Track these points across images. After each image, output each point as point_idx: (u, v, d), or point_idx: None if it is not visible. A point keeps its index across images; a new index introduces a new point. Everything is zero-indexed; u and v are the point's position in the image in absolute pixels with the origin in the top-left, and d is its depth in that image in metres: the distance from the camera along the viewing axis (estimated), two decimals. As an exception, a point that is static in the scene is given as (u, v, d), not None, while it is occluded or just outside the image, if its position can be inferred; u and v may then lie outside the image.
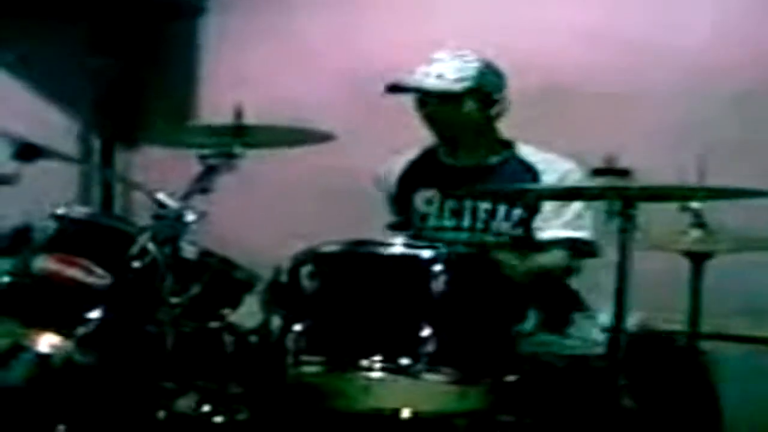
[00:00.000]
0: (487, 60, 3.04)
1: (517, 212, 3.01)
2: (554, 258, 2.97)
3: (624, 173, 2.46)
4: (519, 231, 3.01)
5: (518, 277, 2.61)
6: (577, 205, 2.94)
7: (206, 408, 2.51)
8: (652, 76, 3.66)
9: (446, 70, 2.98)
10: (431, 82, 2.97)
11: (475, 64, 3.00)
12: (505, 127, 3.12)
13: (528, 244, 2.98)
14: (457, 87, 2.97)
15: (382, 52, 3.74)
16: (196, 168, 2.62)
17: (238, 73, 4.18)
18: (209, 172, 2.61)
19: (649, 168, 2.42)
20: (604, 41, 3.73)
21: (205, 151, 2.64)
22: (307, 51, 4.21)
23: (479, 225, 3.03)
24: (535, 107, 3.49)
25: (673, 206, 2.76)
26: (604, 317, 2.68)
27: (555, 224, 2.97)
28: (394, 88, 2.99)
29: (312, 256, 2.47)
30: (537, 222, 3.00)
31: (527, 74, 3.31)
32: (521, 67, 3.14)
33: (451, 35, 3.46)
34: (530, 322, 2.51)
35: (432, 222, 3.08)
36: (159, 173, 3.22)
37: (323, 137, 2.86)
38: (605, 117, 3.63)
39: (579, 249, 2.97)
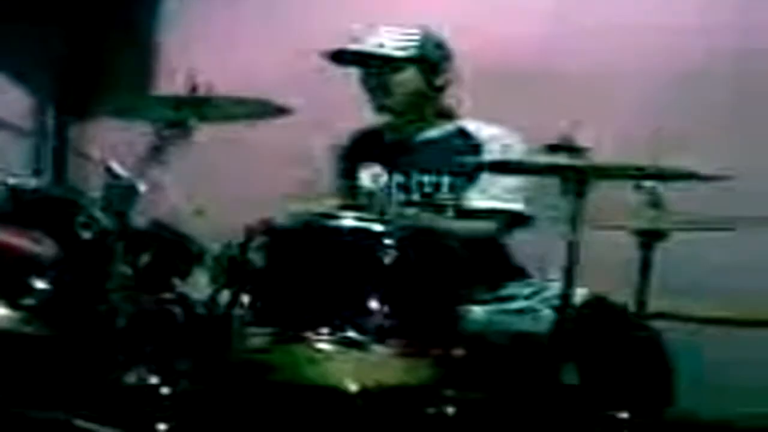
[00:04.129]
0: (429, 31, 3.08)
1: (460, 182, 3.01)
2: (484, 226, 2.97)
3: (578, 151, 2.46)
4: (460, 200, 3.01)
5: (456, 241, 2.61)
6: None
7: (154, 380, 2.50)
8: (612, 58, 3.66)
9: (387, 39, 3.03)
10: (372, 49, 3.02)
11: (417, 36, 3.05)
12: (463, 108, 3.12)
13: (462, 211, 2.98)
14: (398, 54, 3.01)
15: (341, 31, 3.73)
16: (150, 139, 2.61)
17: (199, 43, 4.14)
18: (162, 143, 2.59)
19: (607, 148, 2.42)
20: (566, 22, 3.73)
21: (158, 123, 2.63)
22: (272, 23, 4.18)
23: (424, 198, 3.04)
24: (494, 88, 3.49)
25: (627, 184, 2.75)
26: (553, 291, 2.68)
27: (490, 194, 2.98)
28: (337, 56, 3.03)
29: (263, 228, 2.46)
30: (473, 191, 3.00)
31: (486, 55, 3.31)
32: (481, 47, 3.15)
33: (411, 15, 3.46)
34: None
35: (381, 197, 3.08)
36: (112, 144, 3.18)
37: (279, 111, 2.84)
38: (565, 98, 3.62)
39: (513, 220, 2.99)
